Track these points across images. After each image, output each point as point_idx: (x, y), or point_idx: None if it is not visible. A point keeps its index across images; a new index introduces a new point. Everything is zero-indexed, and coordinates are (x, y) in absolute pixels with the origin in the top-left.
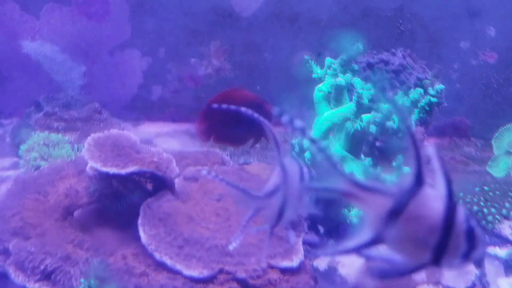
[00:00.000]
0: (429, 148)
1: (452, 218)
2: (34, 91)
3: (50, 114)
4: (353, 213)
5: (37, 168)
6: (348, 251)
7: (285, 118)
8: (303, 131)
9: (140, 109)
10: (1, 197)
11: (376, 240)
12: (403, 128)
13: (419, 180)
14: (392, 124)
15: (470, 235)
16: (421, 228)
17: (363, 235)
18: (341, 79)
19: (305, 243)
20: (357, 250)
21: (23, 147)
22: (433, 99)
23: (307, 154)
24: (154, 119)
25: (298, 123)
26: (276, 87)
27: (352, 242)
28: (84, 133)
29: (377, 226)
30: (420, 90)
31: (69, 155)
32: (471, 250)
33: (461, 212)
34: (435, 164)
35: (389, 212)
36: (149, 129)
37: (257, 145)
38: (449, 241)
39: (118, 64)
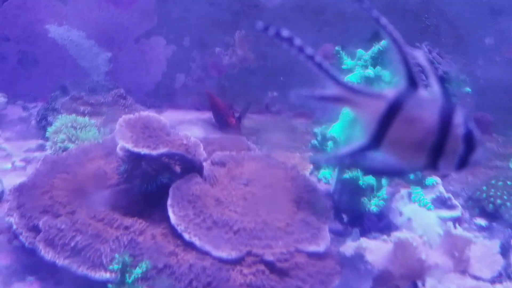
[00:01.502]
0: (417, 52)
1: (448, 120)
2: (60, 75)
3: (77, 98)
4: (374, 202)
5: (65, 149)
6: (344, 156)
7: None
8: None
9: (164, 96)
10: (30, 176)
11: (372, 144)
12: (385, 30)
13: (412, 82)
14: None
15: (468, 138)
16: (416, 131)
17: (359, 140)
18: (370, 71)
19: (329, 231)
20: (353, 154)
21: (50, 129)
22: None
23: (330, 143)
24: (177, 107)
25: None
26: (299, 78)
27: (349, 147)
28: (109, 117)
29: (372, 130)
30: None
31: (95, 138)
32: (469, 153)
33: (459, 114)
34: (427, 67)
35: (383, 115)
36: (172, 116)
37: (280, 135)
38: (446, 143)
39: (143, 51)
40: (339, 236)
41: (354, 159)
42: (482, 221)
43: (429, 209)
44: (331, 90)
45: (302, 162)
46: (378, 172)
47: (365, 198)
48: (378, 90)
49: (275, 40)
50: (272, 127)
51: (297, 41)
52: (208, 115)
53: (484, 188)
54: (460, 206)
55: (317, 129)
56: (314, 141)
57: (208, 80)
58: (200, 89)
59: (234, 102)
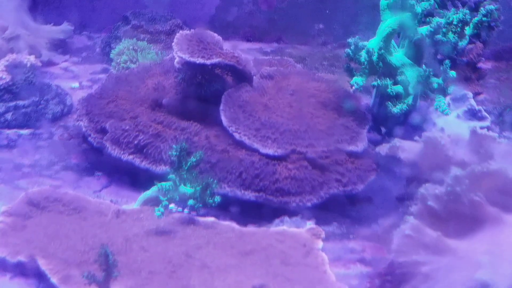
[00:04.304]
0: None
1: None
2: (121, 8)
3: (137, 27)
4: (398, 107)
5: (127, 69)
6: None
7: None
8: None
9: (217, 28)
10: (96, 89)
11: None
12: None
13: None
14: (441, 37)
15: None
16: None
17: None
18: None
19: (368, 141)
20: None
21: (114, 51)
22: (484, 18)
23: (363, 53)
24: (230, 39)
25: None
26: (344, 12)
27: None
28: (167, 45)
29: None
30: (466, 11)
31: (154, 59)
32: None
33: None
34: None
35: None
36: (224, 46)
37: (325, 62)
38: None
39: None
40: (377, 145)
41: None
42: (511, 134)
43: (446, 114)
44: None
45: (345, 84)
46: None
47: (389, 102)
48: None
49: None
50: (318, 55)
51: None
52: (258, 45)
53: None
54: (489, 117)
55: (350, 40)
56: (348, 50)
57: (258, 13)
58: (252, 22)
59: (283, 35)
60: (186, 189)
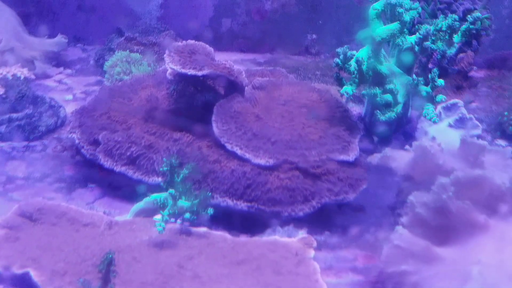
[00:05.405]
0: None
1: None
2: (115, 21)
3: (131, 39)
4: (387, 115)
5: (120, 81)
6: None
7: None
8: None
9: (211, 40)
10: (90, 101)
11: None
12: None
13: None
14: (430, 44)
15: None
16: None
17: None
18: None
19: (360, 150)
20: None
21: (107, 63)
22: (471, 26)
23: (352, 62)
24: (223, 50)
25: None
26: (337, 22)
27: None
28: (160, 56)
29: None
30: (455, 16)
31: (147, 71)
32: None
33: None
34: None
35: None
36: (218, 57)
37: (318, 72)
38: None
39: None
40: (369, 154)
41: None
42: (502, 142)
43: (434, 121)
44: None
45: (337, 94)
46: None
47: (378, 111)
48: None
49: None
50: (311, 66)
51: None
52: (252, 56)
53: (506, 113)
54: (480, 125)
55: (339, 49)
56: (337, 60)
57: (252, 24)
58: (245, 32)
59: (276, 45)
60: (184, 203)
